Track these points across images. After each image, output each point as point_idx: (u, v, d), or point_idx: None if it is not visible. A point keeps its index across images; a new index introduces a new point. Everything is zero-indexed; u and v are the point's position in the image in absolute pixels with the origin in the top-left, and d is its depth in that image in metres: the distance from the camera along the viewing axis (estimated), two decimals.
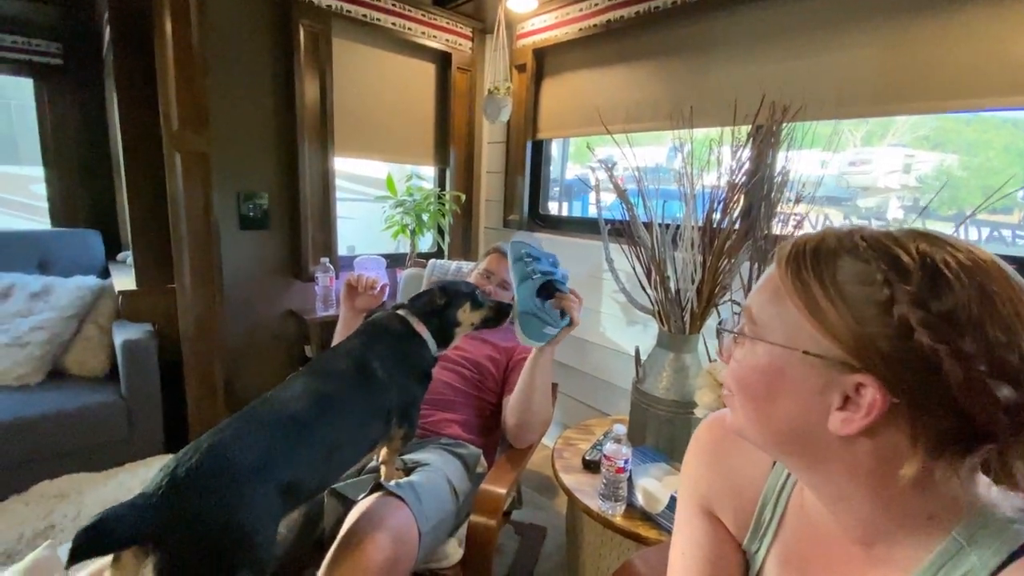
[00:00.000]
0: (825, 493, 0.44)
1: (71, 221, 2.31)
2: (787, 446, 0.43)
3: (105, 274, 2.12)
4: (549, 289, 1.21)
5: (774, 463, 0.55)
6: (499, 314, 1.15)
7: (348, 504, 0.98)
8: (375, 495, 0.95)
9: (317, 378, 0.90)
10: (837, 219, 1.80)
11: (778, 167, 1.25)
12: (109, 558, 0.66)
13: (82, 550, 0.56)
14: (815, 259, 0.40)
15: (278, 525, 0.75)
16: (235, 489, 0.68)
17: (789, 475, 0.54)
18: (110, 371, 1.85)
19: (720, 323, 0.49)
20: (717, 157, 1.26)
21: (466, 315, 1.11)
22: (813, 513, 0.49)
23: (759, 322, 0.43)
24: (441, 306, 1.08)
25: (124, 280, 1.95)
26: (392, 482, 0.97)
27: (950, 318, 0.34)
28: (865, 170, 1.95)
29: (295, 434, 0.79)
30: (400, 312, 1.08)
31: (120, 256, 2.31)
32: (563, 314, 1.19)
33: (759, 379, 0.43)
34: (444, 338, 1.09)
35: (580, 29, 1.98)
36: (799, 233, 1.21)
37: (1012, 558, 0.35)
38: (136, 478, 1.62)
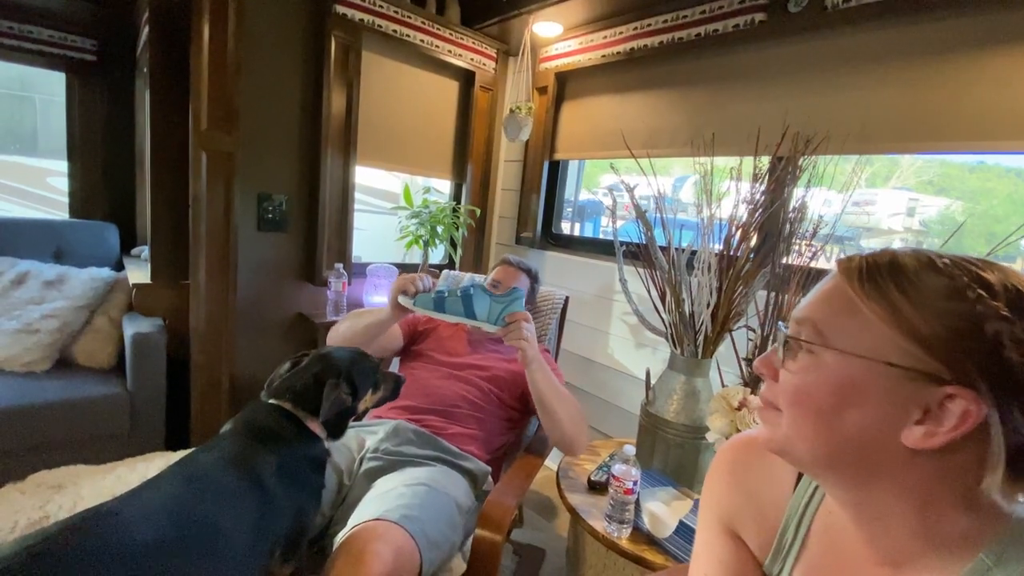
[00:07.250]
0: (864, 512, 0.43)
1: (90, 214, 2.33)
2: (840, 461, 0.42)
3: (119, 267, 2.13)
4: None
5: (796, 483, 0.55)
6: (395, 390, 1.10)
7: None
8: (369, 520, 0.91)
9: (186, 489, 0.74)
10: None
11: (795, 200, 1.27)
12: None
13: None
14: (893, 273, 0.40)
15: None
16: None
17: (812, 496, 0.53)
18: (117, 364, 1.85)
19: (776, 327, 0.49)
20: (736, 186, 1.28)
21: (367, 402, 1.00)
22: (839, 535, 0.49)
23: (827, 333, 0.42)
24: (348, 405, 0.93)
25: (138, 274, 1.96)
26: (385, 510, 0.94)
27: None
28: (869, 211, 1.96)
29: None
30: (284, 406, 0.91)
31: (135, 250, 2.33)
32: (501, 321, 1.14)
33: (826, 390, 0.41)
34: (338, 432, 0.97)
35: (603, 56, 2.03)
36: (814, 264, 1.24)
37: None
38: (135, 473, 1.59)
